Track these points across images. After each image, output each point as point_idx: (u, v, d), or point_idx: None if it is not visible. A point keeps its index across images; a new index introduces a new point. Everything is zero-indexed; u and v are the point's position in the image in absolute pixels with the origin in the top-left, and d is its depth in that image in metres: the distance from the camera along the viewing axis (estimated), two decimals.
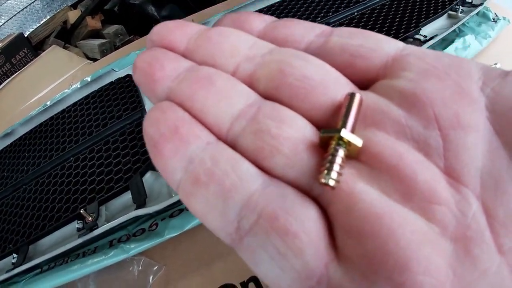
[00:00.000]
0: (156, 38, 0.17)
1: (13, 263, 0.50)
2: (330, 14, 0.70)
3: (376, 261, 0.12)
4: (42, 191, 0.55)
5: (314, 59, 0.16)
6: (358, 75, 0.16)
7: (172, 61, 0.17)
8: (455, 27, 0.63)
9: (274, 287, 0.13)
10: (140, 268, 0.44)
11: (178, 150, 0.14)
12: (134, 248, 0.42)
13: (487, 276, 0.11)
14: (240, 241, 0.13)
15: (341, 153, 0.13)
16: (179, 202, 0.43)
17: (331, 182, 0.13)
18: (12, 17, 1.53)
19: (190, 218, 0.42)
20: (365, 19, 0.68)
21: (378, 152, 0.13)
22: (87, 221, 0.46)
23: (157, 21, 1.22)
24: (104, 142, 0.55)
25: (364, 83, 0.16)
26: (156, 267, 0.43)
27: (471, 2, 0.69)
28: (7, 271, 0.48)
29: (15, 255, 0.51)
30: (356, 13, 0.70)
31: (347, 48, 0.16)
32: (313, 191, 0.14)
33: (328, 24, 0.68)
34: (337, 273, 0.12)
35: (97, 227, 0.44)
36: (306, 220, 0.13)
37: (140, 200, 0.44)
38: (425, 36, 0.61)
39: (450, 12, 0.68)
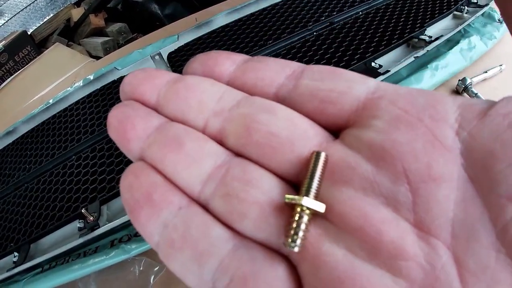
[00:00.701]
0: (128, 90, 0.18)
1: (14, 262, 0.50)
2: (335, 13, 0.70)
3: None
4: (44, 190, 0.55)
5: (281, 110, 0.16)
6: (329, 121, 0.16)
7: (142, 120, 0.17)
8: (460, 27, 0.62)
9: None
10: (141, 269, 0.44)
11: (152, 216, 0.15)
12: (136, 248, 0.42)
13: None
14: None
15: (305, 218, 0.14)
16: None
17: (295, 248, 0.13)
18: (15, 14, 1.53)
19: None
20: (369, 18, 0.67)
21: (344, 212, 0.14)
22: (88, 221, 0.45)
23: (160, 19, 1.22)
24: (107, 141, 0.55)
25: (336, 128, 0.16)
26: (157, 268, 0.43)
27: (477, 2, 0.68)
28: (8, 270, 0.48)
29: (16, 254, 0.51)
30: (360, 13, 0.70)
31: (317, 94, 0.16)
32: (283, 250, 0.14)
33: (332, 24, 0.68)
34: None
35: (99, 227, 0.44)
36: (275, 281, 0.13)
37: None
38: (430, 37, 0.61)
39: (455, 12, 0.68)
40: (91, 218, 0.45)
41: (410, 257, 0.12)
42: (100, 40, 1.19)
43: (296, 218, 0.14)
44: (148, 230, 0.15)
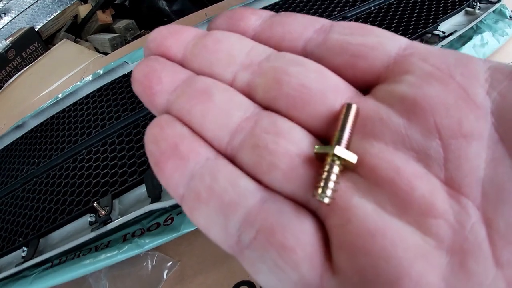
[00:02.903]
0: (152, 46, 0.17)
1: (23, 257, 0.49)
2: (347, 8, 0.69)
3: (368, 277, 0.12)
4: (54, 184, 0.54)
5: (312, 64, 0.16)
6: (359, 77, 0.16)
7: (169, 73, 0.17)
8: (473, 23, 0.61)
9: None
10: (154, 264, 0.43)
11: (179, 167, 0.15)
12: (149, 243, 0.41)
13: None
14: (241, 253, 0.14)
15: (335, 169, 0.13)
16: None
17: (326, 200, 0.13)
18: (22, 11, 1.52)
19: None
20: (382, 13, 0.66)
21: (375, 165, 0.13)
22: (100, 215, 0.44)
23: (168, 16, 1.21)
24: (118, 134, 0.54)
25: (365, 84, 0.16)
26: (170, 263, 0.42)
27: None
28: (17, 265, 0.47)
29: (25, 249, 0.50)
30: (373, 8, 0.69)
31: (347, 47, 0.16)
32: (310, 204, 0.14)
33: (344, 18, 0.67)
34: (331, 284, 0.13)
35: (111, 221, 0.43)
36: (302, 235, 0.13)
37: (155, 193, 0.43)
38: (443, 32, 0.60)
39: (467, 8, 0.67)
40: (103, 212, 0.44)
41: (440, 215, 0.12)
42: (108, 36, 1.19)
43: (327, 168, 0.13)
44: (173, 182, 0.15)
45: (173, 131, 0.15)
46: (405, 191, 0.13)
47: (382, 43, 0.15)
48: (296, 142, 0.14)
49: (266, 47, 0.17)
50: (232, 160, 0.15)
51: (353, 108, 0.14)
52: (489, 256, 0.12)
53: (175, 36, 0.17)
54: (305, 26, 0.17)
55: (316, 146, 0.14)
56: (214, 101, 0.15)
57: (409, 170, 0.13)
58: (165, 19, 1.21)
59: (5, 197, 0.59)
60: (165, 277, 0.42)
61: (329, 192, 0.13)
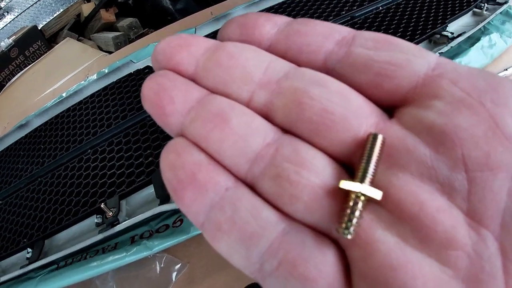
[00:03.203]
0: (161, 59, 0.16)
1: (27, 258, 0.48)
2: (355, 8, 0.68)
3: None
4: (59, 184, 0.53)
5: (334, 83, 0.15)
6: (384, 97, 0.15)
7: (181, 92, 0.16)
8: (481, 25, 0.61)
9: None
10: (162, 266, 0.42)
11: (198, 197, 0.14)
12: (158, 245, 0.40)
13: None
14: (263, 280, 0.14)
15: (359, 205, 0.13)
16: None
17: (349, 236, 0.13)
18: (25, 10, 1.52)
19: None
20: (391, 14, 0.66)
21: (399, 199, 0.13)
22: (107, 216, 0.44)
23: (171, 14, 1.21)
24: (124, 134, 0.53)
25: (390, 105, 0.15)
26: (179, 265, 0.42)
27: (495, 0, 0.67)
28: (22, 267, 0.46)
29: (29, 250, 0.49)
30: (381, 8, 0.68)
31: (372, 65, 0.15)
32: (332, 234, 0.14)
33: (353, 18, 0.66)
34: None
35: (118, 223, 0.43)
36: (324, 266, 0.13)
37: (164, 194, 0.42)
38: (452, 33, 0.59)
39: (475, 9, 0.66)
40: (110, 213, 0.43)
41: (460, 246, 0.12)
42: (111, 35, 1.18)
43: (351, 204, 0.13)
44: (192, 210, 0.14)
45: (190, 158, 0.15)
46: (428, 226, 0.13)
47: (410, 61, 0.14)
48: (319, 173, 0.14)
49: (285, 62, 0.16)
50: (252, 187, 0.15)
51: (379, 139, 0.14)
52: (502, 285, 0.12)
53: (186, 48, 0.16)
54: (325, 36, 0.16)
55: (342, 182, 0.13)
56: (231, 126, 0.15)
57: (434, 204, 0.13)
58: (169, 17, 1.20)
59: (9, 197, 0.59)
60: (174, 279, 0.41)
61: (352, 228, 0.13)
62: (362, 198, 0.13)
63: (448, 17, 0.62)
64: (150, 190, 0.46)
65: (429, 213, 0.13)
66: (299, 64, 0.16)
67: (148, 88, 0.16)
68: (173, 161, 0.15)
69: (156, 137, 0.49)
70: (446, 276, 0.12)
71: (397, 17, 0.64)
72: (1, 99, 1.07)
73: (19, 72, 1.14)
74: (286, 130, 0.15)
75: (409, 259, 0.12)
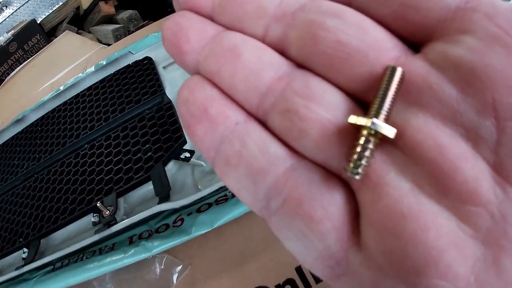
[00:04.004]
0: (181, 0, 0.17)
1: (23, 259, 0.46)
2: None
3: (394, 260, 0.12)
4: (55, 181, 0.51)
5: (352, 15, 0.14)
6: (408, 31, 0.14)
7: (196, 30, 0.16)
8: None
9: (300, 261, 0.14)
10: (162, 267, 0.40)
11: (209, 131, 0.14)
12: (158, 246, 0.38)
13: None
14: (269, 218, 0.14)
15: (371, 144, 0.12)
16: (207, 196, 0.38)
17: (357, 176, 0.12)
18: (24, 3, 1.51)
19: (221, 214, 0.38)
20: None
21: (417, 140, 0.12)
22: (104, 215, 0.41)
23: (172, 5, 1.18)
24: (122, 128, 0.51)
25: (416, 41, 0.14)
26: (180, 266, 0.39)
27: None
28: (17, 268, 0.44)
29: (25, 250, 0.47)
30: None
31: None
32: (342, 174, 0.13)
33: None
34: (356, 259, 0.12)
35: (116, 222, 0.40)
36: (330, 206, 0.13)
37: (163, 192, 0.40)
38: None
39: None
40: (107, 212, 0.41)
41: (482, 203, 0.11)
42: (111, 27, 1.16)
43: (361, 142, 0.12)
44: (205, 145, 0.15)
45: (203, 93, 0.15)
46: (446, 174, 0.12)
47: None
48: (331, 107, 0.13)
49: None
50: (263, 123, 0.15)
51: (398, 72, 0.12)
52: None
53: None
54: None
55: (351, 116, 0.13)
56: (243, 60, 0.15)
57: (455, 150, 0.12)
58: (169, 9, 1.18)
59: (5, 195, 0.57)
60: (175, 281, 0.39)
61: (361, 168, 0.12)
62: (374, 135, 0.12)
63: None
64: (149, 187, 0.44)
65: (449, 159, 0.12)
66: None
67: (167, 29, 0.16)
68: (187, 96, 0.15)
69: (155, 131, 0.47)
70: (463, 234, 0.11)
71: None
72: (0, 94, 1.06)
73: (18, 66, 1.12)
74: (301, 65, 0.15)
75: (422, 208, 0.12)
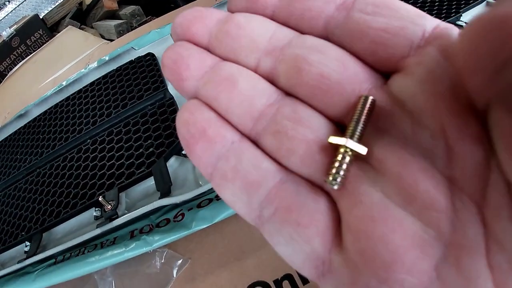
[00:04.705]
0: (179, 31, 0.18)
1: (25, 252, 0.47)
2: None
3: (368, 257, 0.13)
4: (57, 175, 0.51)
5: (332, 50, 0.16)
6: (380, 64, 0.15)
7: (196, 60, 0.17)
8: None
9: (290, 263, 0.15)
10: (162, 261, 0.40)
11: (207, 149, 0.16)
12: (158, 240, 0.38)
13: (470, 286, 0.12)
14: (262, 225, 0.15)
15: (347, 159, 0.14)
16: (208, 192, 0.39)
17: (335, 186, 0.14)
18: None
19: (221, 209, 0.38)
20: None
21: (384, 158, 0.14)
22: (105, 209, 0.42)
23: (174, 1, 1.18)
24: (124, 124, 0.51)
25: (387, 71, 0.15)
26: (180, 261, 0.40)
27: None
28: (19, 261, 0.45)
29: (27, 243, 0.48)
30: None
31: (368, 32, 0.15)
32: (325, 187, 0.15)
33: None
34: (337, 259, 0.14)
35: (117, 216, 0.41)
36: (316, 213, 0.15)
37: (165, 187, 0.40)
38: (466, 23, 0.57)
39: (488, 0, 0.64)
40: (109, 206, 0.42)
41: (442, 209, 0.13)
42: (114, 23, 1.16)
43: (339, 158, 0.14)
44: (203, 162, 0.16)
45: (201, 116, 0.16)
46: (410, 184, 0.13)
47: (405, 29, 0.14)
48: (314, 130, 0.15)
49: (288, 30, 0.17)
50: (255, 143, 0.16)
51: (369, 100, 0.14)
52: (483, 257, 0.12)
53: (200, 20, 0.18)
54: (326, 1, 0.16)
55: (331, 137, 0.15)
56: (239, 88, 0.16)
57: (417, 164, 0.13)
58: (172, 5, 1.17)
59: (8, 189, 0.57)
60: (175, 275, 0.39)
61: (338, 179, 0.14)
62: (350, 152, 0.14)
63: (462, 7, 0.59)
64: (150, 182, 0.44)
65: (411, 172, 0.13)
66: (301, 29, 0.17)
67: (167, 57, 0.17)
68: (187, 118, 0.17)
69: (157, 127, 0.47)
70: (428, 236, 0.13)
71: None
72: (3, 89, 1.06)
73: (21, 61, 1.13)
74: (288, 93, 0.16)
75: (390, 213, 0.13)
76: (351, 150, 0.14)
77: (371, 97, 0.15)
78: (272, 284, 0.36)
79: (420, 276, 0.13)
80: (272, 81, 0.17)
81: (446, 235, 0.13)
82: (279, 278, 0.36)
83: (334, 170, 0.14)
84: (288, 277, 0.36)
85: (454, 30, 0.14)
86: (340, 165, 0.14)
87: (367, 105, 0.14)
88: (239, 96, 0.16)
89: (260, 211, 0.15)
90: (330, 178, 0.14)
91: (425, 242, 0.13)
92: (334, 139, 0.15)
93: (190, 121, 0.16)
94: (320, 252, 0.14)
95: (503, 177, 0.12)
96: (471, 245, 0.12)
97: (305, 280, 0.35)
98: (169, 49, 0.18)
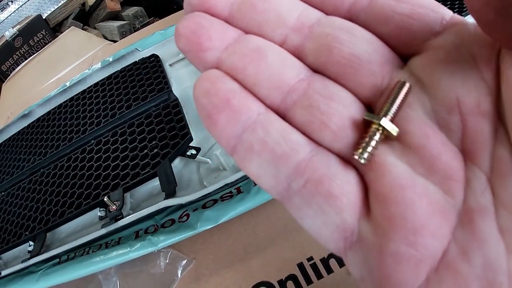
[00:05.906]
0: (195, 2, 0.17)
1: (29, 251, 0.47)
2: None
3: (397, 223, 0.14)
4: (62, 175, 0.51)
5: (361, 31, 0.16)
6: (402, 47, 0.16)
7: (218, 31, 0.17)
8: None
9: (316, 237, 0.15)
10: (167, 261, 0.40)
11: (231, 120, 0.15)
12: (163, 240, 0.38)
13: (484, 246, 0.13)
14: (289, 199, 0.15)
15: (377, 136, 0.15)
16: (213, 193, 0.39)
17: (362, 160, 0.15)
18: None
19: (226, 210, 0.38)
20: None
21: (409, 132, 0.15)
22: (110, 210, 0.42)
23: (177, 3, 1.18)
24: (129, 125, 0.51)
25: (410, 54, 0.16)
26: (185, 261, 0.40)
27: None
28: (23, 261, 0.45)
29: (31, 243, 0.48)
30: None
31: (393, 17, 0.16)
32: (353, 161, 0.15)
33: None
34: (365, 228, 0.15)
35: (122, 217, 0.41)
36: (347, 184, 0.15)
37: (170, 188, 0.40)
38: None
39: None
40: (114, 207, 0.42)
41: (460, 179, 0.14)
42: (116, 24, 1.16)
43: (370, 134, 0.15)
44: (225, 134, 0.16)
45: (224, 85, 0.16)
46: (434, 156, 0.14)
47: (427, 16, 0.15)
48: (346, 106, 0.15)
49: (316, 10, 0.17)
50: (282, 117, 0.16)
51: (406, 87, 0.15)
52: (493, 221, 0.13)
53: None
54: None
55: (366, 113, 0.15)
56: (268, 61, 0.16)
57: (437, 138, 0.14)
58: (175, 6, 1.18)
59: (11, 189, 0.57)
60: (179, 275, 0.39)
61: (366, 154, 0.15)
62: (381, 131, 0.15)
63: (464, 10, 0.59)
64: (155, 183, 0.44)
65: (434, 144, 0.14)
66: (326, 11, 0.17)
67: (185, 27, 0.17)
68: (208, 88, 0.16)
69: (162, 128, 0.47)
70: (447, 204, 0.14)
71: None
72: (6, 89, 1.06)
73: (24, 61, 1.13)
74: (316, 71, 0.16)
75: (416, 182, 0.14)
76: (384, 128, 0.15)
77: (408, 83, 0.15)
78: (276, 285, 0.36)
79: (442, 240, 0.14)
80: (298, 58, 0.17)
81: (461, 202, 0.14)
82: (284, 279, 0.36)
83: (364, 145, 0.15)
84: (292, 277, 0.36)
85: (467, 20, 0.15)
86: (370, 141, 0.15)
87: (404, 90, 0.15)
88: (269, 69, 0.16)
89: (288, 183, 0.15)
90: (360, 151, 0.15)
91: (445, 208, 0.14)
92: (370, 116, 0.15)
93: (211, 91, 0.16)
94: (350, 222, 0.15)
95: (509, 148, 0.13)
96: (483, 211, 0.13)
97: (309, 281, 0.36)
98: (186, 19, 0.17)
